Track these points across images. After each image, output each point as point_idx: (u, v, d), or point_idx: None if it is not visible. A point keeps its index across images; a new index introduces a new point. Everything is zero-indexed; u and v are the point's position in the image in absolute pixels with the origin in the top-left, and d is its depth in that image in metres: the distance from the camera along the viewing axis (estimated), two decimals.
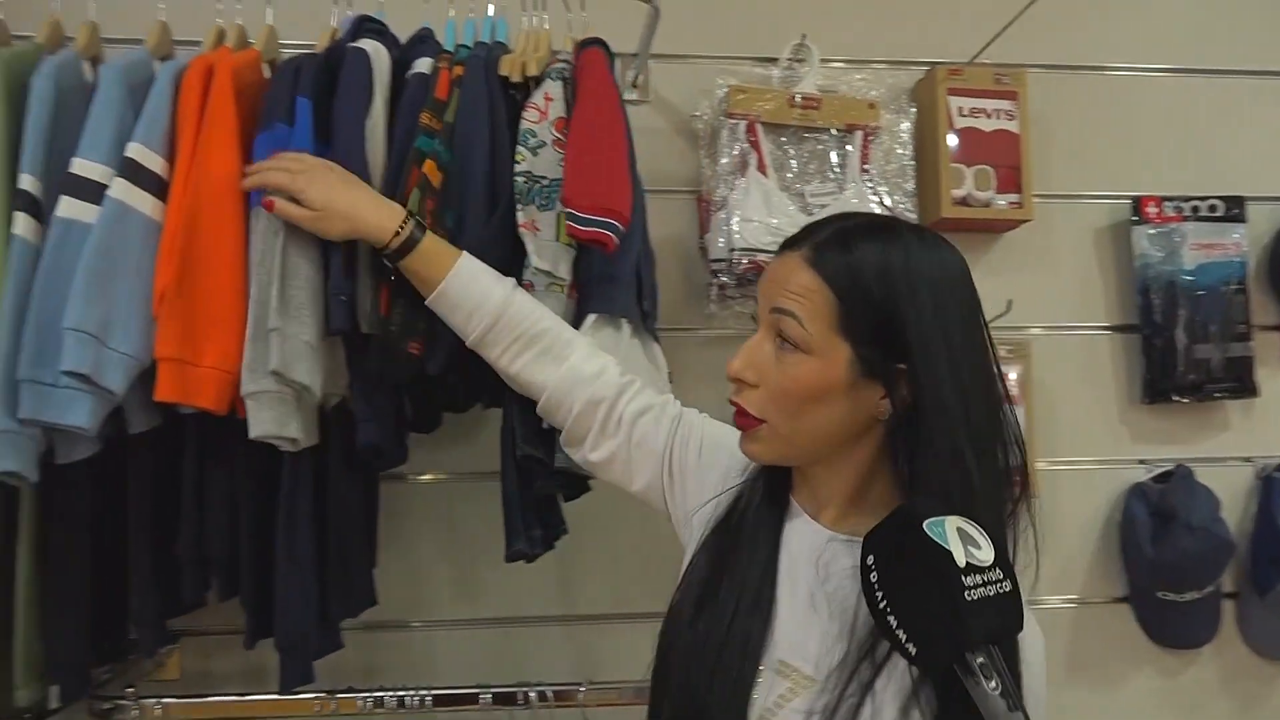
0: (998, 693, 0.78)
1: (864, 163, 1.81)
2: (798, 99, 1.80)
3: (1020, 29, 1.72)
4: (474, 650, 1.73)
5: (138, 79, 1.29)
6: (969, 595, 0.78)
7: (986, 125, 1.87)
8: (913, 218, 1.82)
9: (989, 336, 0.94)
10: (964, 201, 1.84)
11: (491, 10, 1.49)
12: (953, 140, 1.85)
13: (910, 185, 1.85)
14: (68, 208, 1.20)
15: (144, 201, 1.23)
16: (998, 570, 0.81)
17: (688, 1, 1.86)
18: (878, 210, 1.77)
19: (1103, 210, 1.98)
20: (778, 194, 1.75)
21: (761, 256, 1.71)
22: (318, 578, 1.36)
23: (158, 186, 1.24)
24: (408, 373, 1.29)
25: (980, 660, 0.79)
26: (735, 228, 1.71)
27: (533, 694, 1.45)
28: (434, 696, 1.43)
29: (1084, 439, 1.93)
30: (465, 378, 1.34)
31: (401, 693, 1.43)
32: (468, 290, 1.20)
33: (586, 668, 1.68)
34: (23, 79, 1.26)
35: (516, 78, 1.38)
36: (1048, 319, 1.94)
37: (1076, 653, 1.92)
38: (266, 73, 1.41)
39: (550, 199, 1.33)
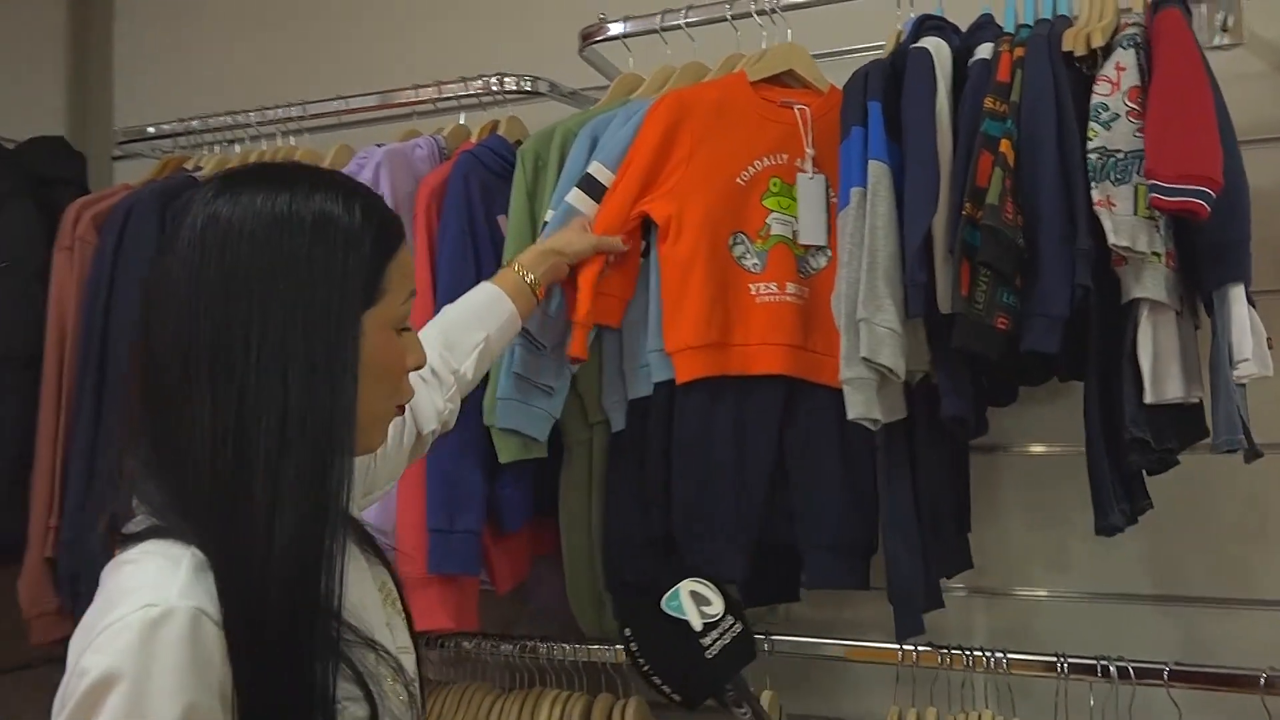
0: (747, 716, 1.01)
1: None
2: None
3: None
4: (1063, 621, 1.74)
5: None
6: (709, 653, 1.00)
7: None
8: None
9: None
10: None
11: None
12: None
13: None
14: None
15: (584, 203, 1.55)
16: (729, 617, 1.04)
17: None
18: None
19: None
20: None
21: None
22: (920, 538, 1.48)
23: (599, 192, 1.56)
24: (997, 348, 1.34)
25: (731, 693, 1.01)
26: None
27: (1113, 669, 1.44)
28: (1010, 660, 1.49)
29: None
30: (1059, 353, 1.35)
31: (980, 653, 1.50)
32: None
33: (1174, 649, 1.61)
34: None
35: (1081, 51, 1.36)
36: None
37: None
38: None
39: (1126, 172, 1.30)
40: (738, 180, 1.58)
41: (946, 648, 1.52)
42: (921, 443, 1.48)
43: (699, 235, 1.55)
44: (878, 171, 1.38)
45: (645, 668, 1.01)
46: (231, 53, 2.47)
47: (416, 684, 0.98)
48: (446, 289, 1.61)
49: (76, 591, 1.77)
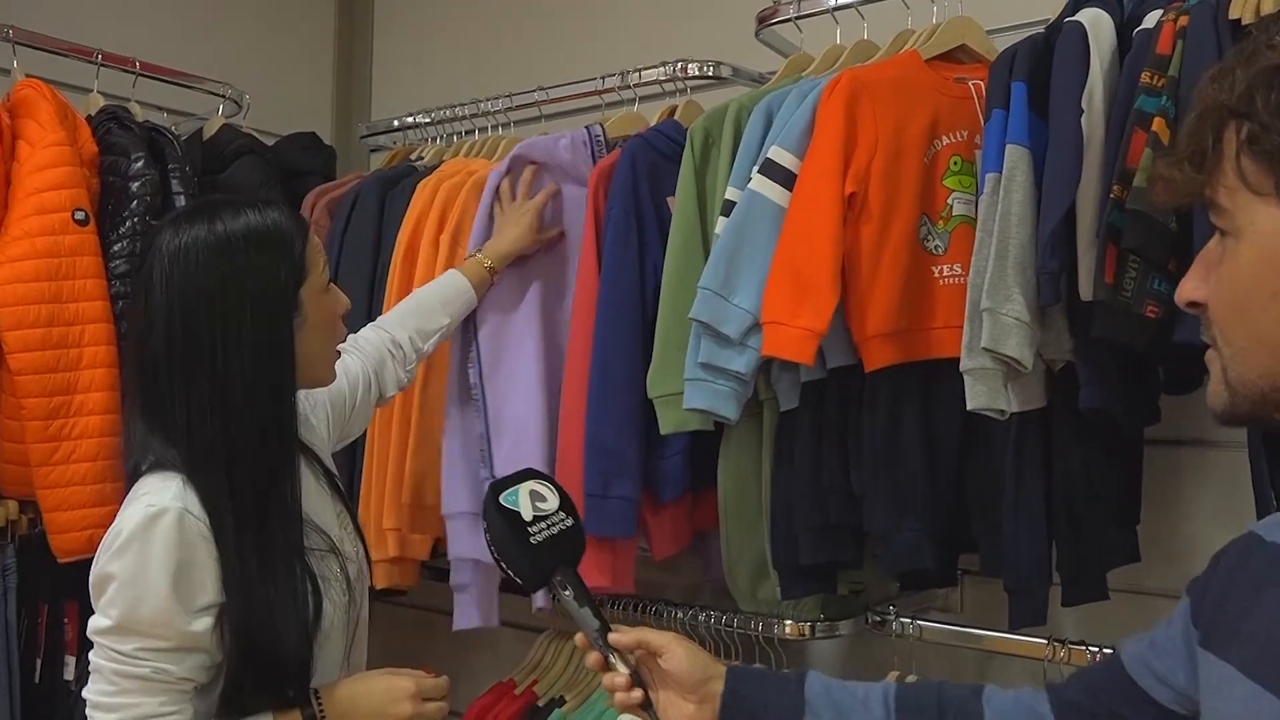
0: (571, 597, 1.12)
1: None
2: None
3: None
4: None
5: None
6: (534, 540, 1.12)
7: None
8: None
9: None
10: None
11: None
12: None
13: None
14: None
15: (774, 191, 1.53)
16: (560, 513, 1.15)
17: None
18: None
19: None
20: None
21: None
22: (1046, 528, 1.44)
23: (787, 179, 1.53)
24: (1143, 337, 1.28)
25: (558, 579, 1.12)
26: None
27: None
28: None
29: None
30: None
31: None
32: None
33: None
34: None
35: (1249, 18, 1.26)
36: None
37: None
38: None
39: None
40: (924, 160, 1.56)
41: (1099, 646, 1.45)
42: (1066, 431, 1.42)
43: (890, 220, 1.51)
44: (1015, 156, 1.34)
45: (494, 554, 1.16)
46: (459, 51, 2.69)
47: (359, 586, 1.36)
48: (610, 269, 1.71)
49: None
